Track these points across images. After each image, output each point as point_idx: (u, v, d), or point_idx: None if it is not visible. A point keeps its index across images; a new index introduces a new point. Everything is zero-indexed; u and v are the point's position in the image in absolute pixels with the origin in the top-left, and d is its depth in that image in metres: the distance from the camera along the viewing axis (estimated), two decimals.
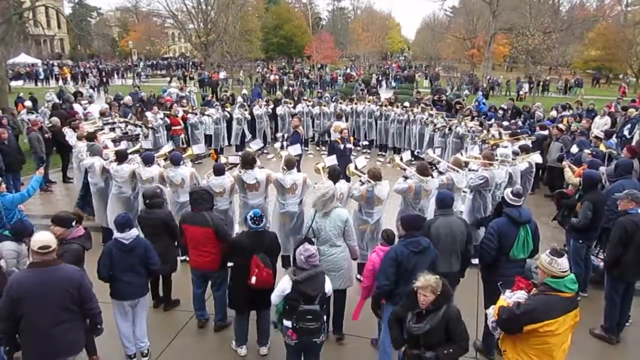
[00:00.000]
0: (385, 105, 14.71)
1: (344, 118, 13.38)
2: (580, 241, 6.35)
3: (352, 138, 11.49)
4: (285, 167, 6.57)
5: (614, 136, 10.48)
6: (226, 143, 14.30)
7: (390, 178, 6.93)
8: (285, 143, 12.66)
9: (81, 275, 4.00)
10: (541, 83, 31.26)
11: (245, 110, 14.41)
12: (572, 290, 3.57)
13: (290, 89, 22.13)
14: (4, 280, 4.04)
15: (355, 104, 15.31)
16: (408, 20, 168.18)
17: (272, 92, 29.26)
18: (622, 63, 39.34)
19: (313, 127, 15.05)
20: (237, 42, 32.71)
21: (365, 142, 14.56)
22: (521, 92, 30.27)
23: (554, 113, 13.89)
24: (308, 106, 15.12)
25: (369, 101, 15.59)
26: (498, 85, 34.41)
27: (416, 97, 19.89)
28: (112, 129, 10.70)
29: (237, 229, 6.97)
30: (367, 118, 14.57)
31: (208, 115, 13.69)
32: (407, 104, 15.09)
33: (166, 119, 12.70)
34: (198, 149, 9.19)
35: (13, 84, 30.70)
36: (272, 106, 15.25)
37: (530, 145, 9.14)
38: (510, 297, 3.76)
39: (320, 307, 4.23)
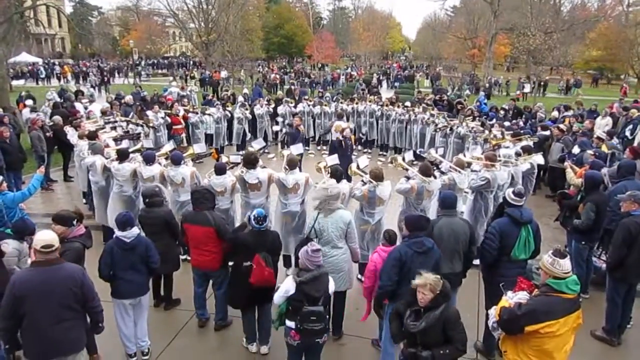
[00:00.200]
0: (387, 105, 14.70)
1: (345, 117, 13.36)
2: (582, 242, 6.34)
3: (352, 137, 11.47)
4: (287, 167, 6.56)
5: (615, 137, 10.46)
6: (226, 142, 14.31)
7: (392, 178, 6.92)
8: (284, 129, 12.73)
9: (83, 274, 4.00)
10: (542, 83, 31.20)
11: (246, 109, 14.41)
12: (574, 292, 3.56)
13: (292, 87, 22.08)
14: (7, 279, 4.03)
15: (356, 103, 15.30)
16: (409, 20, 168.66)
17: (273, 92, 29.26)
18: (624, 63, 39.32)
19: (314, 126, 15.04)
20: (238, 41, 32.68)
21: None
22: (517, 92, 30.16)
23: (555, 113, 13.87)
24: (309, 106, 15.10)
25: (370, 101, 15.58)
26: (497, 85, 34.32)
27: (417, 96, 19.87)
28: (114, 128, 10.70)
29: None
30: (368, 118, 14.56)
31: (209, 115, 13.69)
32: (408, 103, 15.08)
33: (167, 118, 12.70)
34: (199, 148, 9.18)
35: (14, 83, 30.70)
36: (273, 105, 15.24)
37: (532, 146, 9.11)
38: (512, 298, 3.76)
39: (323, 307, 4.22)
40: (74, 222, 4.77)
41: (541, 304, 3.55)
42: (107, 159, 7.72)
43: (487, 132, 10.78)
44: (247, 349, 5.38)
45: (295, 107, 15.07)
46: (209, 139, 13.52)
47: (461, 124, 11.85)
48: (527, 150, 8.50)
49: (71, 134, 9.97)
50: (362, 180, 6.45)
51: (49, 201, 9.98)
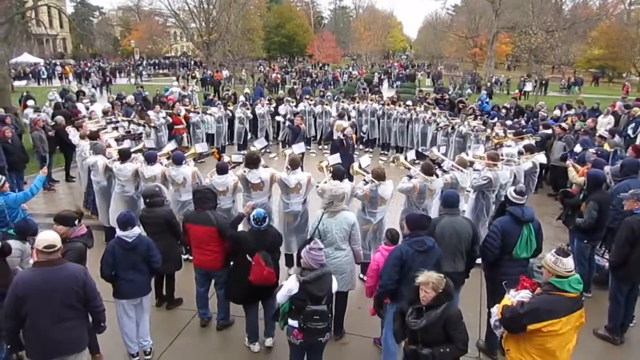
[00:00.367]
0: (388, 104, 14.68)
1: (346, 117, 13.36)
2: (585, 241, 6.32)
3: (354, 136, 11.46)
4: (289, 167, 6.57)
5: (616, 135, 10.44)
6: (228, 142, 14.32)
7: (394, 178, 6.91)
8: (288, 122, 12.74)
9: (85, 274, 4.00)
10: (543, 82, 31.14)
11: (248, 109, 14.41)
12: (576, 290, 3.55)
13: (295, 87, 22.04)
14: (11, 279, 4.04)
15: (358, 102, 15.28)
16: (410, 19, 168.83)
17: (275, 91, 29.27)
18: (626, 62, 39.25)
19: (315, 125, 15.03)
20: (239, 41, 32.70)
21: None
22: (516, 92, 30.10)
23: (557, 112, 13.85)
24: (310, 105, 15.10)
25: (371, 100, 15.56)
26: (498, 84, 34.26)
27: (418, 95, 19.85)
28: (115, 128, 10.71)
29: (241, 228, 6.97)
30: (369, 117, 14.55)
31: (210, 115, 13.69)
32: (409, 102, 15.06)
33: (168, 118, 12.71)
34: (201, 147, 9.19)
35: (16, 83, 30.75)
36: (274, 105, 15.24)
37: (535, 145, 9.10)
38: (514, 297, 3.75)
39: (326, 306, 4.23)
40: (76, 222, 4.78)
41: (544, 302, 3.55)
42: (108, 159, 7.73)
43: (488, 130, 10.77)
44: (249, 349, 5.37)
45: (296, 106, 15.06)
46: (210, 138, 13.53)
47: (463, 123, 11.84)
48: (529, 149, 8.50)
49: (73, 134, 9.99)
50: (364, 180, 6.45)
51: (51, 201, 10.00)
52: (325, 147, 14.31)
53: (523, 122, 13.09)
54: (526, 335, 3.60)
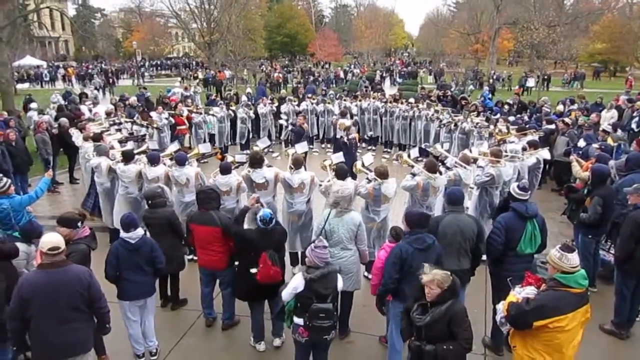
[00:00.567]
0: (390, 102, 14.66)
1: (348, 115, 13.35)
2: (589, 236, 6.30)
3: (357, 135, 11.45)
4: (292, 166, 6.57)
5: (619, 130, 10.39)
6: (230, 142, 14.32)
7: (397, 176, 6.91)
8: (290, 126, 12.75)
9: (90, 275, 4.02)
10: (545, 77, 31.02)
11: (250, 109, 14.42)
12: (582, 286, 3.53)
13: (299, 86, 22.01)
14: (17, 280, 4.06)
15: (360, 100, 15.26)
16: (411, 16, 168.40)
17: (277, 91, 29.27)
18: (628, 56, 39.06)
19: (318, 124, 15.03)
20: (240, 41, 32.71)
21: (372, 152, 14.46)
22: (517, 87, 29.97)
23: (560, 107, 13.80)
24: (312, 104, 15.09)
25: (374, 98, 15.54)
26: (500, 80, 34.14)
27: (421, 92, 19.81)
28: (119, 130, 10.73)
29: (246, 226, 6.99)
30: (372, 115, 14.53)
31: (212, 115, 13.70)
32: (412, 100, 15.03)
33: (171, 118, 12.73)
34: (204, 148, 9.20)
35: (19, 86, 30.86)
36: (276, 104, 15.24)
37: (538, 141, 9.07)
38: (519, 293, 3.74)
39: (332, 305, 4.23)
40: (79, 224, 4.79)
41: (550, 299, 3.53)
42: (112, 160, 7.75)
43: (492, 127, 10.75)
44: (254, 348, 5.38)
45: (298, 105, 15.06)
46: (212, 138, 13.54)
47: (465, 120, 11.81)
48: (533, 145, 8.47)
49: (76, 136, 10.01)
50: (367, 178, 6.44)
51: (55, 203, 10.03)
52: (328, 146, 14.31)
53: (526, 117, 13.06)
54: (532, 331, 3.58)
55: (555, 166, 10.57)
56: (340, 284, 4.40)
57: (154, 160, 7.28)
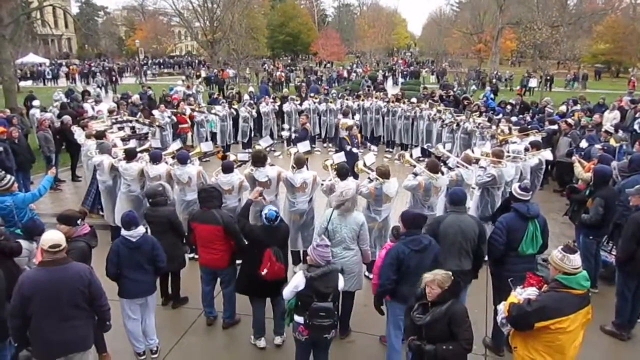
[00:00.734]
0: (393, 102, 14.64)
1: (350, 115, 13.35)
2: (590, 237, 6.29)
3: (359, 135, 11.44)
4: (295, 166, 6.57)
5: (620, 130, 10.37)
6: (233, 140, 14.34)
7: (398, 175, 6.90)
8: (293, 135, 12.71)
9: (90, 273, 4.02)
10: (548, 78, 30.98)
11: (253, 108, 14.42)
12: (584, 287, 3.53)
13: (303, 85, 21.98)
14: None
15: (362, 100, 15.25)
16: (414, 16, 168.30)
17: (279, 90, 29.27)
18: (631, 56, 38.98)
19: (320, 124, 15.03)
20: (243, 39, 32.67)
21: (374, 148, 14.43)
22: (518, 87, 29.91)
23: (563, 108, 13.78)
24: (315, 103, 15.08)
25: (376, 97, 15.52)
26: (501, 80, 34.07)
27: (423, 92, 19.80)
28: (121, 128, 10.74)
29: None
30: (374, 114, 14.52)
31: (215, 114, 13.71)
32: (414, 99, 15.01)
33: (173, 117, 12.74)
34: (206, 146, 9.21)
35: (22, 84, 30.90)
36: (278, 103, 15.24)
37: (541, 141, 9.06)
38: (521, 294, 3.73)
39: (333, 303, 4.24)
40: (78, 222, 4.79)
41: (551, 300, 3.52)
42: (114, 158, 7.76)
43: (494, 127, 10.73)
44: (255, 346, 5.39)
45: (300, 104, 15.06)
46: (214, 137, 13.55)
47: (468, 120, 11.79)
48: (535, 146, 8.45)
49: (78, 134, 10.02)
50: (369, 178, 6.44)
51: (57, 201, 10.04)
52: (330, 145, 14.30)
53: (528, 118, 13.03)
54: (533, 332, 3.58)
55: (557, 167, 10.55)
56: (341, 284, 4.40)
57: (156, 159, 7.29)
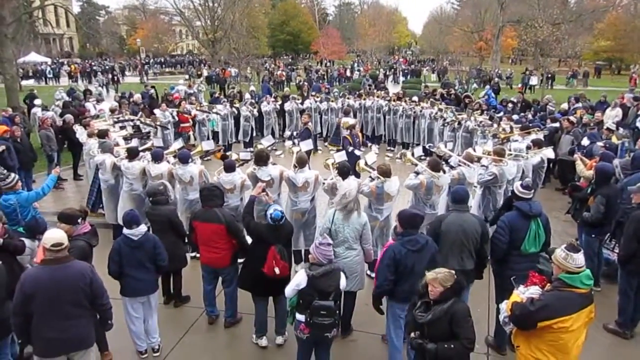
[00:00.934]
0: (394, 100, 14.62)
1: (351, 114, 13.33)
2: (593, 235, 6.27)
3: (360, 134, 11.42)
4: (297, 165, 6.57)
5: (620, 128, 10.36)
6: (234, 139, 14.34)
7: (400, 174, 6.90)
8: (295, 140, 12.69)
9: (92, 271, 4.03)
10: (549, 75, 30.91)
11: (254, 107, 14.41)
12: (587, 286, 3.51)
13: (305, 83, 21.95)
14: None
15: (364, 99, 15.23)
16: (415, 14, 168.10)
17: (280, 89, 29.26)
18: (633, 53, 38.89)
19: (321, 123, 15.01)
20: (244, 38, 32.72)
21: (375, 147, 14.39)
22: (519, 85, 29.82)
23: (565, 105, 13.74)
24: (316, 102, 15.07)
25: (377, 96, 15.50)
26: (502, 78, 33.98)
27: (424, 91, 19.77)
28: (123, 127, 10.75)
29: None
30: (375, 113, 14.50)
31: (216, 113, 13.71)
32: (415, 98, 14.99)
33: (175, 116, 12.73)
34: (207, 145, 9.21)
35: (24, 82, 30.94)
36: (280, 102, 15.24)
37: (543, 139, 9.04)
38: (523, 293, 3.72)
39: (334, 302, 4.24)
40: (79, 221, 4.80)
41: (554, 299, 3.51)
42: (116, 157, 7.77)
43: (495, 125, 10.71)
44: (257, 345, 5.39)
45: (302, 103, 15.04)
46: (216, 136, 13.55)
47: (469, 118, 11.77)
48: (537, 144, 8.44)
49: (80, 133, 10.03)
50: (370, 177, 6.44)
51: (59, 200, 10.05)
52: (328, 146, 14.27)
53: (530, 116, 13.00)
54: (536, 331, 3.56)
55: (559, 165, 10.53)
56: (343, 283, 4.40)
57: (157, 158, 7.30)
